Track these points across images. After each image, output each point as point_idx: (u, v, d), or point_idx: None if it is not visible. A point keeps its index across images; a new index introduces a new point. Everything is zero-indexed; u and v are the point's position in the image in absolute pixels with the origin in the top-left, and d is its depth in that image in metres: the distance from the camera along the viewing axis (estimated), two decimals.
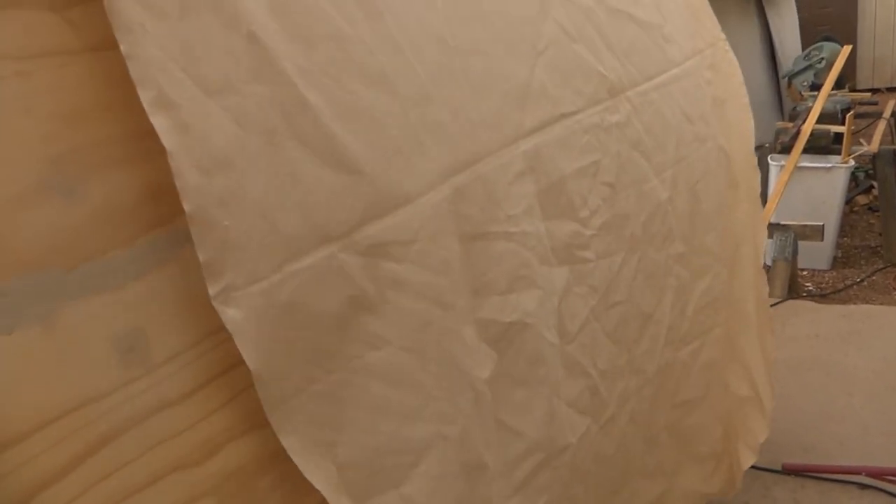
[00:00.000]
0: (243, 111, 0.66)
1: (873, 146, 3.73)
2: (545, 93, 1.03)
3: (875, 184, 4.12)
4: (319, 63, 0.72)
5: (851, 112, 3.88)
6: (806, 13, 6.02)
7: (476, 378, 0.88)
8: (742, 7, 4.87)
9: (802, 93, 4.64)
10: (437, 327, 0.83)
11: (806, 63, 4.71)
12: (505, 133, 0.95)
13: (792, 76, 4.79)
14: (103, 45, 0.61)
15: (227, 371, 0.70)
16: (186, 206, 0.62)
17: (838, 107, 4.07)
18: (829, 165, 3.59)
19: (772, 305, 2.29)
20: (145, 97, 0.60)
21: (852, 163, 3.63)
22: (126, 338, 0.63)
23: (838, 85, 4.32)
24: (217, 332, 0.68)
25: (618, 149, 1.17)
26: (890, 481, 1.97)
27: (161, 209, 0.65)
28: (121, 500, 0.62)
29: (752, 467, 1.70)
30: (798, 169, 3.47)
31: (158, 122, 0.61)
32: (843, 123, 3.69)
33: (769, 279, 2.78)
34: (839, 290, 3.48)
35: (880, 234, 3.89)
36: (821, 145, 3.70)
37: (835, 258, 3.81)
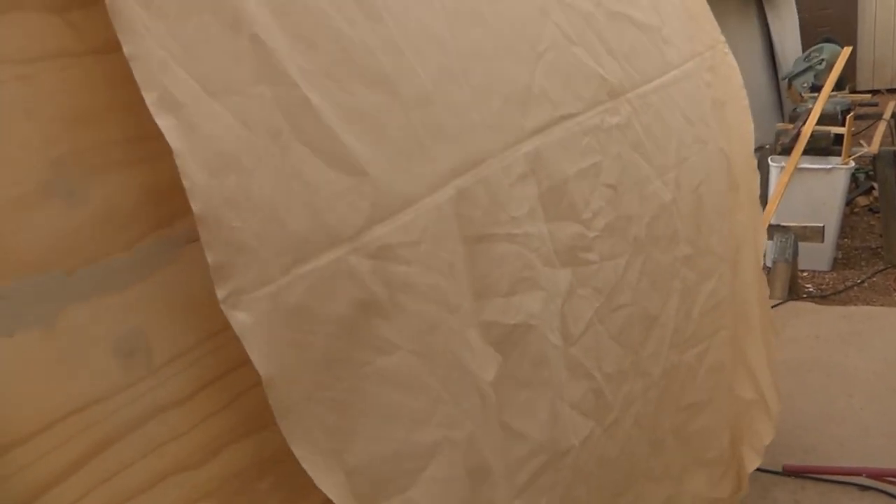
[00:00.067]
0: (248, 112, 0.65)
1: (873, 147, 3.72)
2: (546, 95, 1.03)
3: (875, 185, 4.12)
4: (321, 64, 0.72)
5: (852, 113, 3.87)
6: (806, 14, 6.02)
7: (481, 380, 0.88)
8: (742, 8, 4.88)
9: (802, 94, 4.64)
10: (443, 330, 0.82)
11: (806, 64, 4.71)
12: (506, 135, 0.95)
13: (792, 78, 4.79)
14: (104, 48, 0.61)
15: (228, 373, 0.70)
16: (195, 207, 0.61)
17: (838, 108, 4.07)
18: (829, 167, 3.59)
19: (772, 307, 2.30)
20: (149, 97, 0.60)
21: (852, 164, 3.63)
22: (127, 340, 0.62)
23: (838, 86, 4.31)
24: (217, 335, 0.68)
25: (619, 150, 1.17)
26: (890, 482, 1.97)
27: (162, 212, 0.65)
28: (122, 503, 0.62)
29: None
30: (798, 170, 3.47)
31: (164, 122, 0.60)
32: (843, 125, 3.69)
33: (769, 280, 2.78)
34: (839, 292, 3.48)
35: (881, 236, 3.88)
36: (821, 147, 3.70)
37: (835, 259, 3.80)
